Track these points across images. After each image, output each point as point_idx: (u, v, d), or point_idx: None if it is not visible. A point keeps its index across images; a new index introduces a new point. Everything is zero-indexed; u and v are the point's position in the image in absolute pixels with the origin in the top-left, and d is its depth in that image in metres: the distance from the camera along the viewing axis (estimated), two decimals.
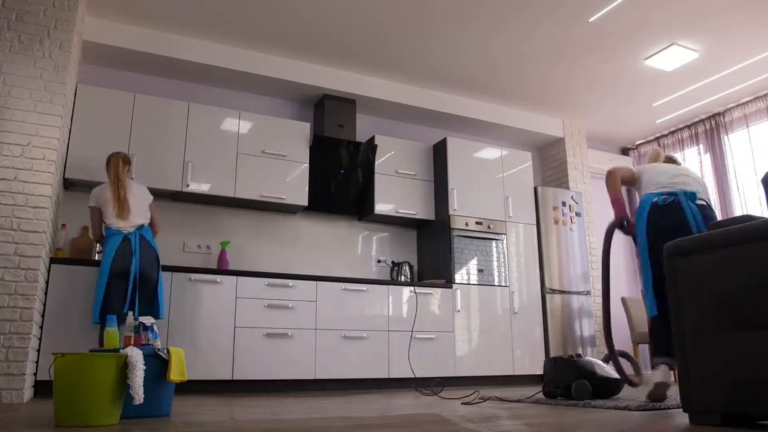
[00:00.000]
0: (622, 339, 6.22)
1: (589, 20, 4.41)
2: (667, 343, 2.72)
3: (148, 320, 2.60)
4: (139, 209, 3.65)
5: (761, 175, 4.09)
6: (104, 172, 3.94)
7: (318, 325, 4.31)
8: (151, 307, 3.55)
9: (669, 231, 2.80)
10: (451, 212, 5.12)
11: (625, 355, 3.30)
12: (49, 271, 3.61)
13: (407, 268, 5.12)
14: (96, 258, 4.11)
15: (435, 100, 5.56)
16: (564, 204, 5.74)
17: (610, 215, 6.83)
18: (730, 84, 5.46)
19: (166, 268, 3.94)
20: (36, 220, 3.28)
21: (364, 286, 4.56)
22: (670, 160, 3.49)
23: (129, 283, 3.47)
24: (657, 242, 2.81)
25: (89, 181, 4.12)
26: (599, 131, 6.57)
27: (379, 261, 5.30)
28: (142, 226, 3.63)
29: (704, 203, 3.07)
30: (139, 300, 3.51)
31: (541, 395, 3.22)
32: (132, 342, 2.43)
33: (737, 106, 5.80)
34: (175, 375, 2.36)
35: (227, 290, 4.09)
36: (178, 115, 4.46)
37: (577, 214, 5.80)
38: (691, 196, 3.05)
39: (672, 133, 6.50)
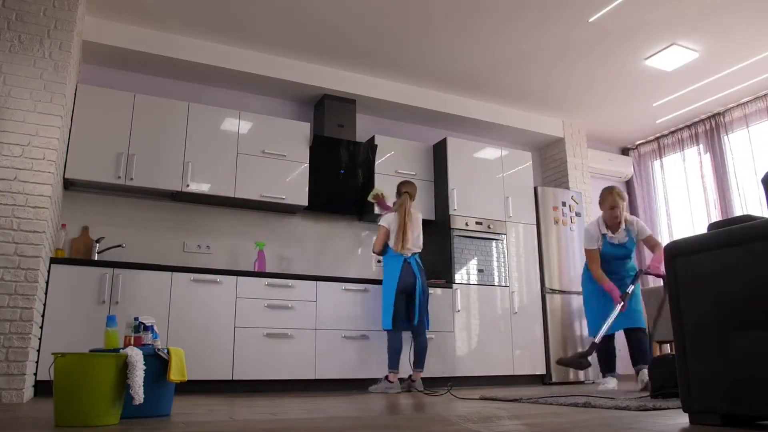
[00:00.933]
0: (622, 339, 6.21)
1: (589, 20, 4.41)
2: None
3: (148, 320, 2.59)
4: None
5: (761, 175, 4.10)
6: (104, 172, 4.00)
7: (318, 325, 4.31)
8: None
9: None
10: (451, 212, 5.12)
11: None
12: (49, 271, 3.61)
13: None
14: (96, 258, 4.12)
15: (435, 100, 5.56)
16: (564, 204, 5.74)
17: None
18: (730, 84, 5.46)
19: (166, 268, 3.94)
20: (36, 220, 3.28)
21: (364, 286, 4.56)
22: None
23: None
24: None
25: (89, 181, 4.13)
26: (599, 131, 6.57)
27: (379, 261, 5.30)
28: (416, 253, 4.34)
29: None
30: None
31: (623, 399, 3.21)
32: (132, 342, 2.43)
33: (737, 106, 5.80)
34: (175, 375, 2.36)
35: (227, 290, 4.09)
36: (178, 115, 4.46)
37: (577, 214, 5.80)
38: None
39: (672, 133, 6.50)
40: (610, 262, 4.19)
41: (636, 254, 6.49)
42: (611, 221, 4.16)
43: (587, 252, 4.22)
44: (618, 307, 3.96)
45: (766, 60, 5.04)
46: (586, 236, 4.28)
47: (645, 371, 3.94)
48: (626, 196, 4.23)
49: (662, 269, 4.05)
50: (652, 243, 4.17)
